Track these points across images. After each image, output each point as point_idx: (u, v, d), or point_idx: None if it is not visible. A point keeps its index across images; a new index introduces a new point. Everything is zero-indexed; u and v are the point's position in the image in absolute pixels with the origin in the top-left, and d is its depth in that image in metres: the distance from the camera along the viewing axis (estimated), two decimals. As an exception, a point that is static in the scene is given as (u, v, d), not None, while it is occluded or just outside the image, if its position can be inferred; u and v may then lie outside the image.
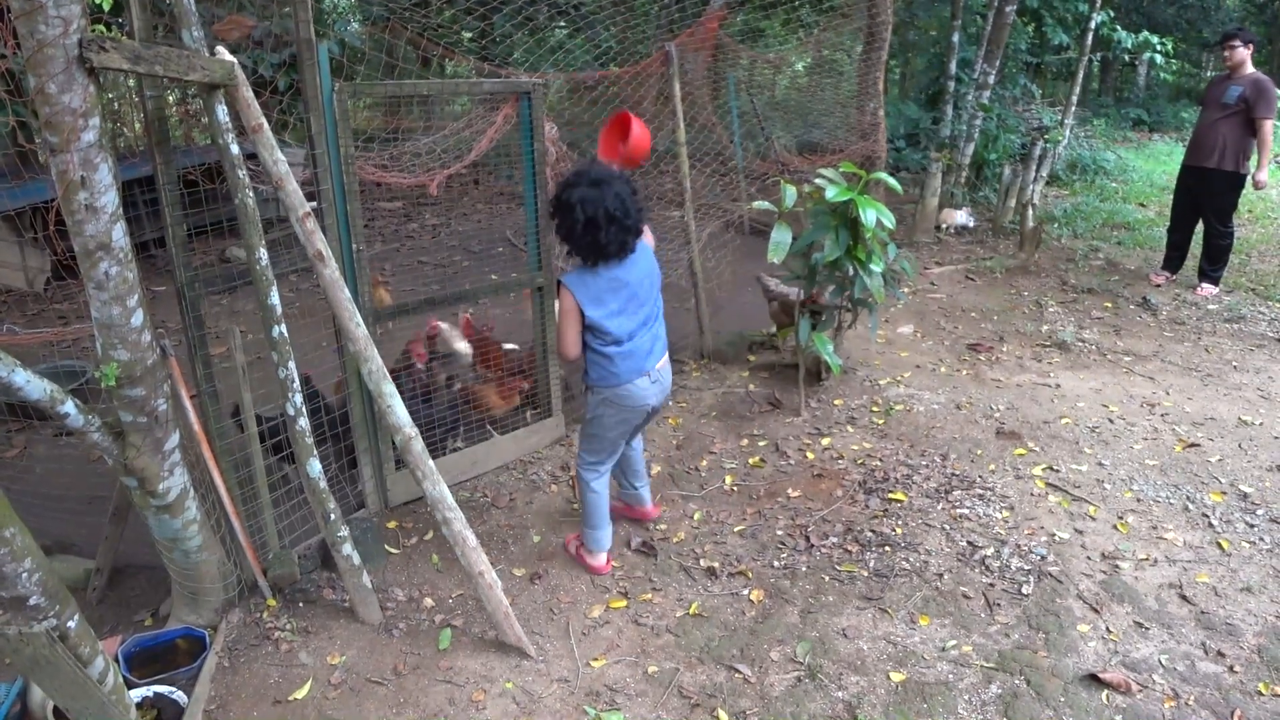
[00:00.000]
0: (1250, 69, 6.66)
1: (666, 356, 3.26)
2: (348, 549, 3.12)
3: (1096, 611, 3.22)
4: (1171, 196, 7.50)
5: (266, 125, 2.77)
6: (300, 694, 2.85)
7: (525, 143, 4.04)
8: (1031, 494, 4.01)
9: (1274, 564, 3.48)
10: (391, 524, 3.82)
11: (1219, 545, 3.61)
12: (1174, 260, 7.34)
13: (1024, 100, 12.56)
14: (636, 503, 3.74)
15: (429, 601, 3.34)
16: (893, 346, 5.95)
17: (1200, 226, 7.10)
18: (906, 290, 7.02)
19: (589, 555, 3.49)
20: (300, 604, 3.28)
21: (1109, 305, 6.78)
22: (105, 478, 3.96)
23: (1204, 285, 7.04)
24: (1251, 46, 6.68)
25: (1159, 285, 7.22)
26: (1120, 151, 13.90)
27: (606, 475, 3.41)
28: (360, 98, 3.55)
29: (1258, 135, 6.55)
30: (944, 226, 9.13)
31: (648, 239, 3.22)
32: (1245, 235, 8.93)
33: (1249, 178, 6.71)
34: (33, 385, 2.26)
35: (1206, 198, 6.86)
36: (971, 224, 9.18)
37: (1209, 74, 22.39)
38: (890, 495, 4.00)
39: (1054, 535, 3.68)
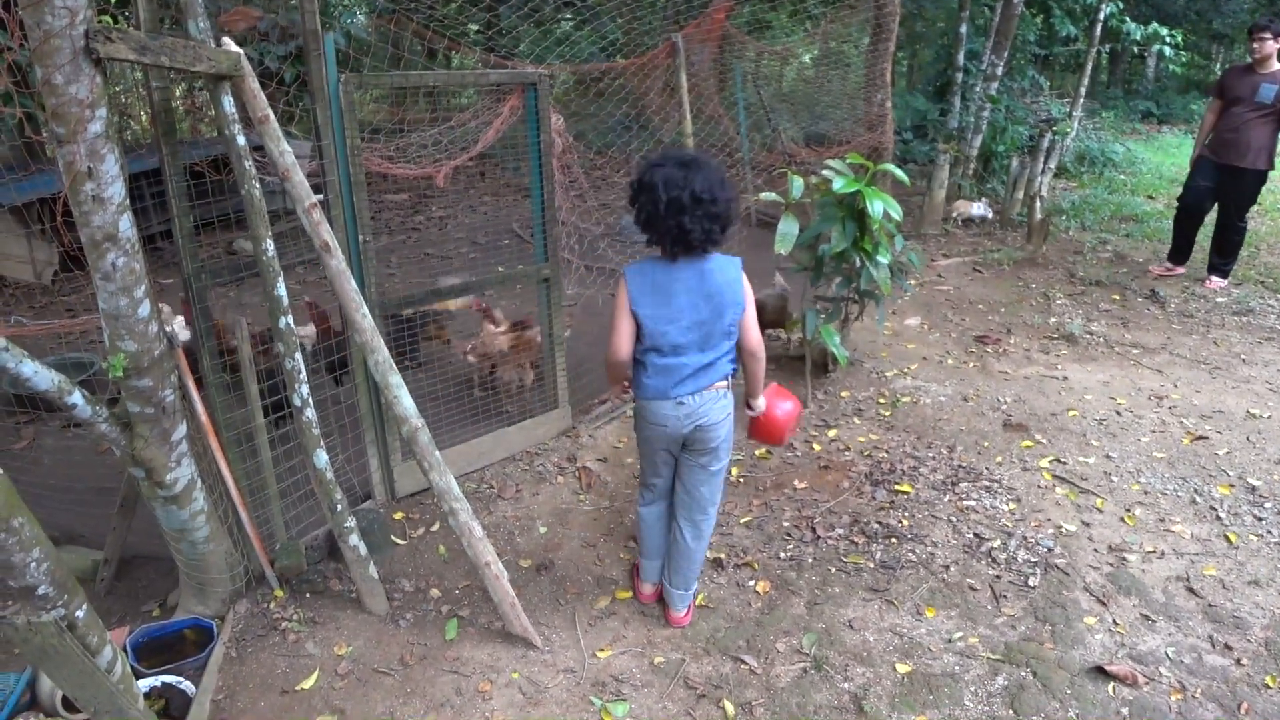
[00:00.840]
0: (1277, 63, 6.45)
1: (716, 390, 2.82)
2: (355, 540, 3.13)
3: (1103, 604, 3.21)
4: (1180, 189, 7.40)
5: (273, 117, 2.77)
6: (307, 684, 2.87)
7: (531, 134, 4.03)
8: (1038, 486, 4.00)
9: (1282, 557, 3.47)
10: (398, 515, 3.83)
11: (1227, 538, 3.60)
12: (1183, 251, 7.27)
13: (1032, 92, 12.50)
14: (667, 598, 3.19)
15: (435, 592, 3.35)
16: (900, 338, 5.93)
17: (1208, 221, 7.03)
18: (914, 282, 7.00)
19: (639, 578, 3.32)
20: (307, 595, 3.29)
21: (1117, 298, 6.76)
22: (113, 469, 3.98)
23: (1214, 278, 6.97)
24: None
25: (1161, 277, 7.17)
26: (1129, 144, 13.84)
27: (655, 504, 3.13)
28: (366, 89, 3.54)
29: None
30: (956, 217, 9.10)
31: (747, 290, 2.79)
32: (1255, 228, 8.88)
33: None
34: (41, 376, 2.26)
35: (1232, 195, 6.72)
36: (990, 214, 9.15)
37: (1218, 66, 22.26)
38: (897, 487, 3.99)
39: (1061, 527, 3.68)
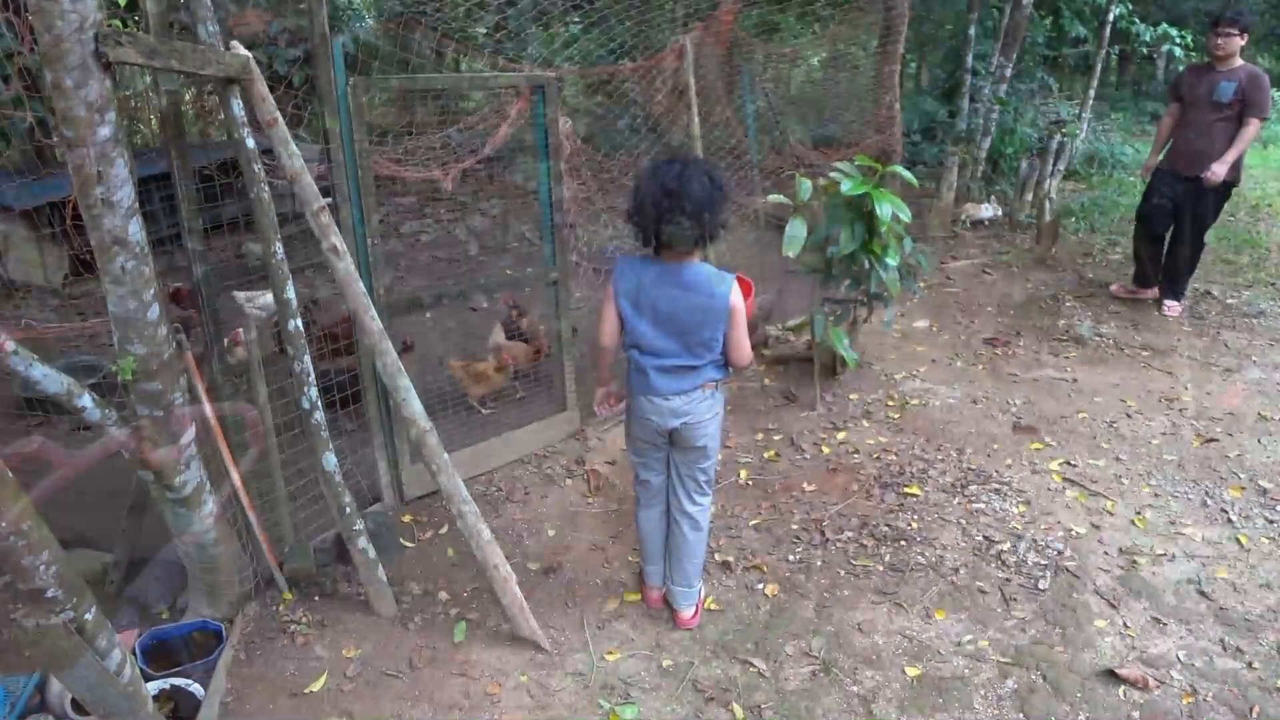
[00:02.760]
0: (1239, 60, 5.71)
1: (703, 390, 2.83)
2: (363, 542, 3.13)
3: (1114, 607, 3.20)
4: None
5: (281, 120, 2.78)
6: (316, 686, 2.87)
7: (539, 137, 4.03)
8: (1048, 489, 3.99)
9: (1295, 560, 3.45)
10: (407, 518, 3.83)
11: (1238, 541, 3.57)
12: (1148, 277, 6.53)
13: (1041, 94, 12.46)
14: (670, 597, 3.22)
15: (444, 595, 3.35)
16: (909, 341, 5.91)
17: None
18: (923, 284, 6.98)
19: (645, 584, 3.30)
20: (316, 597, 3.30)
21: (1126, 299, 6.71)
22: (123, 472, 3.98)
23: (1168, 302, 6.31)
24: (1246, 35, 5.67)
25: (1123, 299, 6.63)
26: (1138, 145, 13.75)
27: (651, 508, 3.13)
28: (374, 93, 3.55)
29: (1241, 131, 5.64)
30: (965, 219, 9.06)
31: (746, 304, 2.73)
32: (1265, 230, 8.84)
33: (1209, 168, 5.72)
34: (51, 379, 2.28)
35: (1192, 209, 5.96)
36: (1002, 212, 9.11)
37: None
38: (906, 489, 3.98)
39: (1071, 530, 3.66)
